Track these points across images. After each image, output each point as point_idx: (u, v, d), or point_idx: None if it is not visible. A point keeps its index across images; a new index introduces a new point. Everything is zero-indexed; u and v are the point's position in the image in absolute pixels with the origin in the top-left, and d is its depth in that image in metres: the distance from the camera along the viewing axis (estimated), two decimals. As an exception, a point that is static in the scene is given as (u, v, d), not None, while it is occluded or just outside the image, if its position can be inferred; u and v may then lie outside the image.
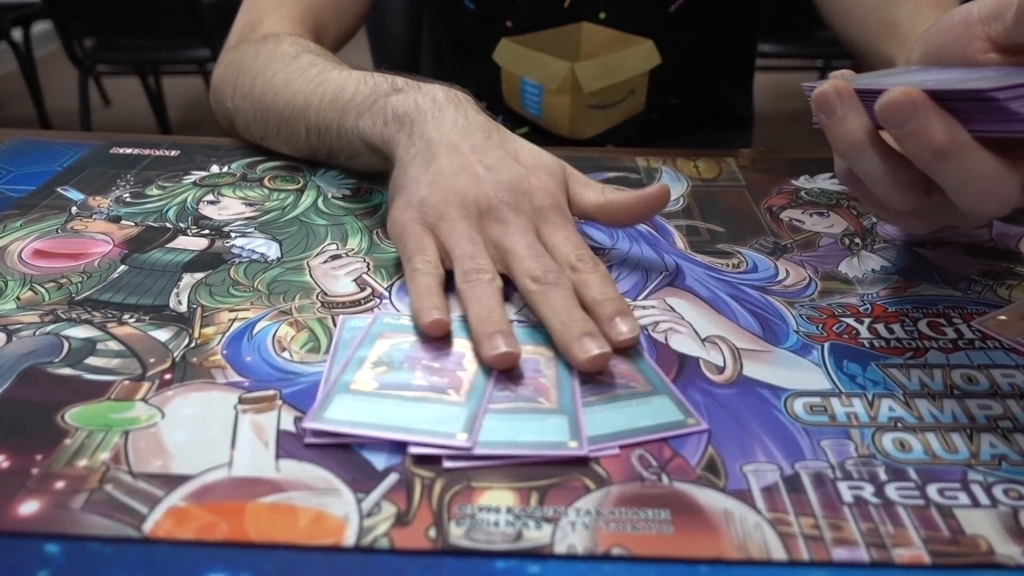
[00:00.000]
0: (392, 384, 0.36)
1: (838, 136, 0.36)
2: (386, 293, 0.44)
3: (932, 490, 0.31)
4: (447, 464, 0.32)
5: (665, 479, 0.31)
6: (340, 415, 0.34)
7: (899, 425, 0.34)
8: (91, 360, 0.38)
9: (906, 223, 0.39)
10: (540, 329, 0.39)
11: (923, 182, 0.35)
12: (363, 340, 0.39)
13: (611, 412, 0.35)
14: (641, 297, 0.43)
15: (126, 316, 0.41)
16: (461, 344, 0.39)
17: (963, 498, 0.30)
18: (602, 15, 0.73)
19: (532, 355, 0.38)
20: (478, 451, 0.32)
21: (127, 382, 0.36)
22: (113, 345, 0.39)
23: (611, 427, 0.34)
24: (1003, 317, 0.42)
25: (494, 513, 0.30)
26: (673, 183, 0.58)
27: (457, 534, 0.29)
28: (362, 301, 0.43)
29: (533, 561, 0.28)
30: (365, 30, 0.91)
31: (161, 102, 2.83)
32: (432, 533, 0.29)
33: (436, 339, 0.39)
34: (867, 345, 0.39)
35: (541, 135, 0.80)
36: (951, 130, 0.31)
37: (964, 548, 0.28)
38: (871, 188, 0.37)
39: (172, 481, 0.31)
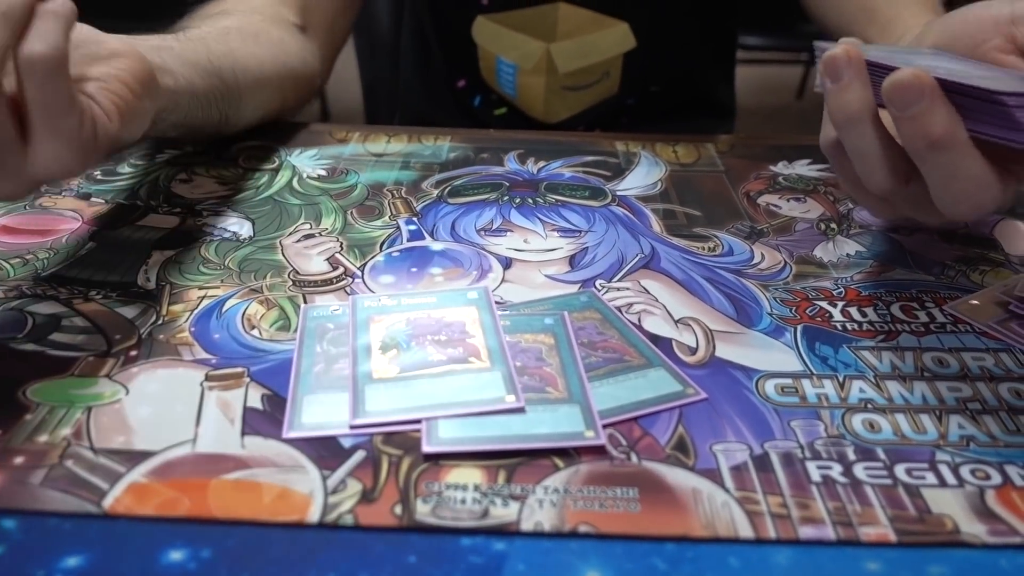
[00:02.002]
0: (413, 364, 0.35)
1: (838, 104, 0.35)
2: (359, 273, 0.43)
3: (900, 470, 0.31)
4: (425, 450, 0.31)
5: (634, 458, 0.31)
6: (380, 406, 0.33)
7: (869, 406, 0.34)
8: (55, 336, 0.37)
9: (874, 204, 0.39)
10: (536, 317, 0.39)
11: (907, 168, 0.34)
12: (355, 329, 0.38)
13: (612, 387, 0.35)
14: (616, 279, 0.43)
15: (93, 292, 0.40)
16: (456, 314, 0.39)
17: (930, 478, 0.30)
18: None
19: (533, 344, 0.37)
20: (492, 447, 0.31)
21: (92, 358, 0.36)
22: (78, 321, 0.38)
23: (615, 402, 0.34)
24: (975, 302, 0.42)
25: (461, 491, 0.29)
26: (651, 167, 0.58)
27: (423, 511, 0.28)
28: (334, 280, 0.42)
29: (499, 538, 0.28)
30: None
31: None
32: (398, 510, 0.28)
33: (428, 315, 0.38)
34: (840, 328, 0.39)
35: (518, 116, 0.80)
36: (951, 123, 0.31)
37: (930, 527, 0.28)
38: (854, 163, 0.36)
39: (134, 457, 0.30)
